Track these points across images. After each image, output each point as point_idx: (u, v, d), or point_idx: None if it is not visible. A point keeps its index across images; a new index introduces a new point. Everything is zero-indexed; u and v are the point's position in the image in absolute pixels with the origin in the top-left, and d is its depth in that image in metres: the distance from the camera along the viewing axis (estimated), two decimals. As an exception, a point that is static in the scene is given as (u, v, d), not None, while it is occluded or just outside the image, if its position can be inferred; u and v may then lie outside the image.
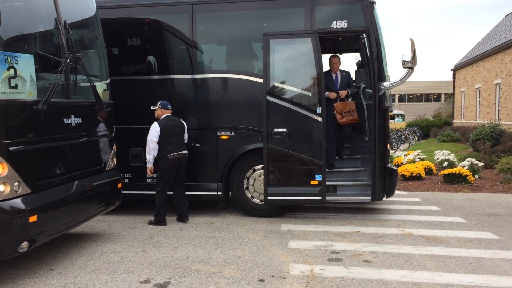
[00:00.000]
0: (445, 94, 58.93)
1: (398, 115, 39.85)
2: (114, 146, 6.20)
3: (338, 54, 7.91)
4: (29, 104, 4.49)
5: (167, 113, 6.85)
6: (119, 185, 6.12)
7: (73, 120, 5.13)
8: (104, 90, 5.99)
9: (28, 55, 4.47)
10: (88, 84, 5.42)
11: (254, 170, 7.32)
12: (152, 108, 6.90)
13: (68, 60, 4.91)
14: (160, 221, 6.83)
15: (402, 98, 74.10)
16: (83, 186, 5.34)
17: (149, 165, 6.79)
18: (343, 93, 7.40)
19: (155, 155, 6.71)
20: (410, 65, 6.36)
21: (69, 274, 4.81)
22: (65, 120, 5.01)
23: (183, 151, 6.82)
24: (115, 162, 6.20)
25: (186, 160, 6.88)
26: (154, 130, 6.67)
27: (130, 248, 5.68)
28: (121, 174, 6.94)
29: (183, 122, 6.94)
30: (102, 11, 6.34)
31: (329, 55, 7.84)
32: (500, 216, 7.36)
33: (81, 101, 5.37)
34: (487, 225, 6.76)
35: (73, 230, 6.30)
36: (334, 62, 7.59)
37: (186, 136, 6.97)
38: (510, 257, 5.23)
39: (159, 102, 6.86)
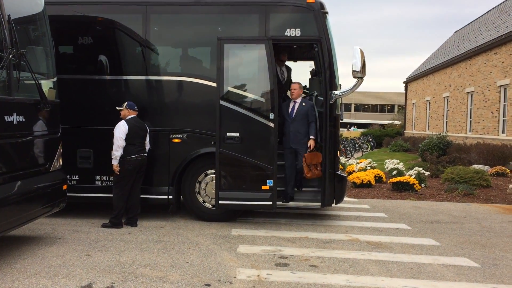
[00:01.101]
0: (398, 105, 61.02)
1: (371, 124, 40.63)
2: (60, 147, 6.00)
3: (298, 82, 7.52)
4: (-33, 100, 4.29)
5: (134, 114, 6.78)
6: (64, 187, 5.93)
7: (15, 118, 4.92)
8: (50, 88, 5.79)
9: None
10: (33, 81, 5.23)
11: (206, 174, 7.28)
12: (117, 108, 6.78)
13: (11, 55, 4.72)
14: (116, 223, 6.67)
15: (358, 108, 76.10)
16: (26, 186, 5.14)
17: (115, 162, 6.61)
18: (311, 143, 7.16)
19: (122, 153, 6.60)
20: (360, 75, 6.54)
21: (7, 278, 4.60)
22: (6, 118, 4.80)
23: (144, 154, 6.81)
24: (61, 163, 6.00)
25: (145, 164, 6.85)
26: (123, 128, 6.57)
27: (74, 252, 5.51)
28: (68, 176, 6.73)
29: (147, 126, 6.92)
30: (51, 8, 6.14)
31: (286, 62, 7.96)
32: (442, 223, 7.67)
33: (24, 99, 5.17)
34: (430, 232, 7.02)
35: (15, 232, 6.04)
36: (292, 88, 7.35)
37: (148, 140, 6.92)
38: (449, 263, 5.45)
39: (126, 103, 6.76)
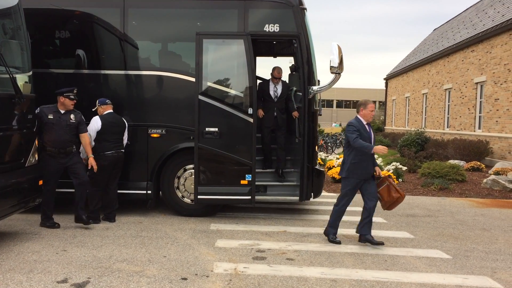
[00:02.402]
0: (379, 102, 61.67)
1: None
2: (36, 142, 5.94)
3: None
4: None
5: (108, 108, 6.74)
6: (40, 182, 5.88)
7: (-11, 112, 4.86)
8: (26, 82, 5.72)
9: None
10: (7, 75, 5.16)
11: (185, 170, 7.29)
12: (93, 110, 6.76)
13: (-16, 49, 4.66)
14: (94, 218, 6.64)
15: (339, 104, 76.67)
16: (0, 182, 5.08)
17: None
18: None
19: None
20: (337, 70, 6.63)
21: (-19, 274, 4.56)
22: (-21, 112, 4.74)
23: (121, 150, 6.76)
24: (36, 158, 5.94)
25: (122, 159, 6.81)
26: (95, 125, 6.55)
27: (50, 248, 5.47)
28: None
29: (125, 121, 6.86)
30: (27, 1, 6.06)
31: (265, 57, 8.00)
32: (417, 217, 7.83)
33: (-2, 93, 5.11)
34: (405, 225, 7.17)
35: (-12, 229, 5.98)
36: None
37: (126, 136, 6.88)
38: (422, 255, 5.59)
39: (97, 101, 6.74)
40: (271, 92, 7.74)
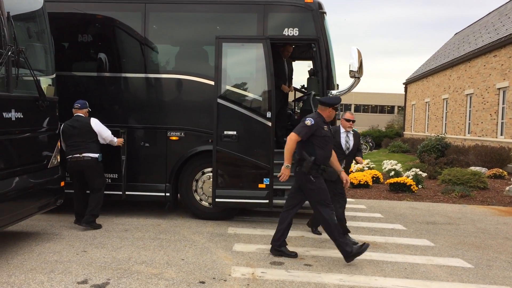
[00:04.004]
0: (398, 107, 61.00)
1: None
2: (58, 144, 6.03)
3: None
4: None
5: (76, 112, 6.44)
6: (62, 183, 5.97)
7: (13, 115, 4.96)
8: (49, 85, 5.83)
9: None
10: (32, 78, 5.26)
11: (203, 173, 7.31)
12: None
13: (10, 52, 4.75)
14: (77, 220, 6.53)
15: (357, 109, 76.13)
16: (23, 183, 5.17)
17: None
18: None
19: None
20: (357, 74, 6.58)
21: (3, 273, 4.63)
22: (4, 114, 4.83)
23: (82, 154, 6.27)
24: (59, 160, 6.03)
25: (88, 165, 6.31)
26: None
27: (70, 248, 5.54)
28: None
29: (93, 122, 6.40)
30: (51, 5, 6.18)
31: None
32: (438, 224, 7.70)
33: (22, 96, 5.21)
34: (425, 232, 7.06)
35: (12, 228, 6.09)
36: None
37: (99, 135, 6.43)
38: (443, 263, 5.49)
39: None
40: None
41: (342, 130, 6.23)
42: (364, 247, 5.31)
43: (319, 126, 5.32)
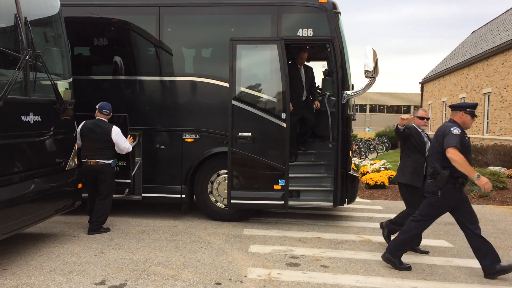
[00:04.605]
0: (415, 106, 60.37)
1: None
2: (76, 146, 6.11)
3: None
4: (-15, 100, 4.40)
5: (100, 116, 6.41)
6: (79, 186, 6.03)
7: (32, 118, 5.04)
8: (66, 89, 5.91)
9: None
10: (49, 82, 5.34)
11: (219, 174, 7.33)
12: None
13: (27, 56, 4.83)
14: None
15: (373, 109, 75.56)
16: (41, 185, 5.25)
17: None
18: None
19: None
20: (372, 75, 6.52)
21: (23, 274, 4.71)
22: (23, 117, 4.91)
23: (96, 160, 6.26)
24: (76, 162, 6.11)
25: (101, 170, 6.28)
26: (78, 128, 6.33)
27: (88, 250, 5.60)
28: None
29: (113, 132, 6.33)
30: (67, 9, 6.27)
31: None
32: (456, 225, 7.51)
33: (40, 99, 5.29)
34: (443, 233, 6.96)
35: (31, 230, 6.19)
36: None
37: (116, 145, 6.38)
38: (462, 265, 5.40)
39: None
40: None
41: (419, 130, 5.77)
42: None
43: (463, 134, 4.93)
